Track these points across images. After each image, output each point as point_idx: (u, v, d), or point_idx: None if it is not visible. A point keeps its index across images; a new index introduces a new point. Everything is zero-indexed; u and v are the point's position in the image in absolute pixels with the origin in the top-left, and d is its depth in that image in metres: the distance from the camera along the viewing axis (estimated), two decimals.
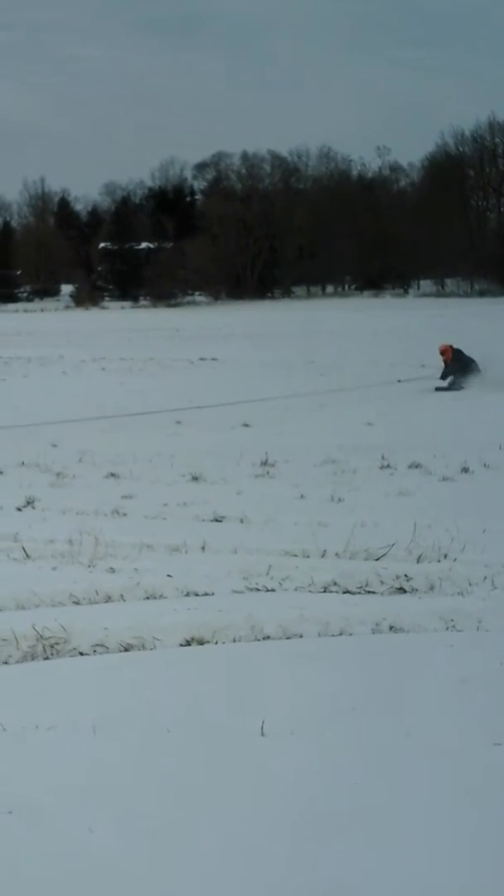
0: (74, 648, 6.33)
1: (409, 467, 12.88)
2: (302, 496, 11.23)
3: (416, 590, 7.55)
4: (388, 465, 13.03)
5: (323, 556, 8.46)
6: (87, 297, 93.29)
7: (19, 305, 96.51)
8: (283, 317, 63.03)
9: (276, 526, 9.69)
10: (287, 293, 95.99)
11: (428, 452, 13.73)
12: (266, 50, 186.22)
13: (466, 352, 23.07)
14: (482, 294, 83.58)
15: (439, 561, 8.25)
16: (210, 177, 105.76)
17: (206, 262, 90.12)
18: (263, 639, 6.51)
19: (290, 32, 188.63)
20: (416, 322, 47.26)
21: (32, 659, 6.23)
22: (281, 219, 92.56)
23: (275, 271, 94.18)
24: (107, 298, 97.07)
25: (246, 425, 17.31)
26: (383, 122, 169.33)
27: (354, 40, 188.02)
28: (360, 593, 7.51)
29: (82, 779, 4.52)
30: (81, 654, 6.28)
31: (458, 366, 22.69)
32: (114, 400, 21.42)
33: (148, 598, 7.39)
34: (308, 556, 8.44)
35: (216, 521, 10.00)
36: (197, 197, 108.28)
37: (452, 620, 6.77)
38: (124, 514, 10.35)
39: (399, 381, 23.81)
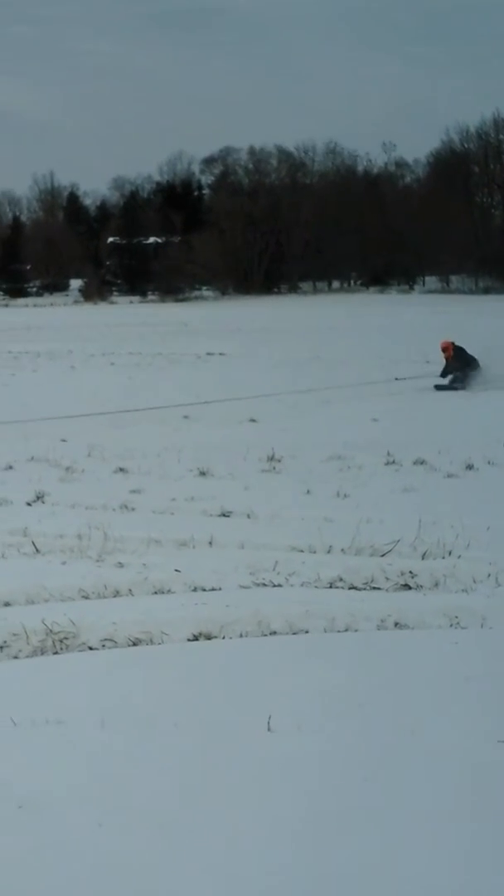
0: (83, 643, 6.37)
1: (415, 464, 12.89)
2: (308, 492, 11.25)
3: (421, 586, 7.58)
4: (394, 462, 13.04)
5: (329, 551, 8.50)
6: (96, 291, 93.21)
7: (29, 300, 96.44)
8: (290, 312, 62.94)
9: (282, 521, 9.73)
10: (293, 288, 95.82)
11: (433, 449, 13.74)
12: (273, 45, 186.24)
13: (469, 350, 22.70)
14: (487, 291, 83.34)
15: (444, 558, 8.27)
16: (217, 171, 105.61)
17: (213, 256, 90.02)
18: (270, 634, 6.54)
19: (297, 27, 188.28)
20: (421, 318, 47.20)
21: (42, 653, 6.28)
22: (287, 214, 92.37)
23: (281, 266, 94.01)
24: (115, 293, 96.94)
25: (253, 420, 17.33)
26: (389, 118, 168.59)
27: (361, 35, 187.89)
28: (365, 589, 7.54)
29: (91, 773, 4.56)
30: (90, 648, 6.33)
31: (459, 364, 22.32)
32: (122, 395, 21.45)
33: (156, 592, 7.44)
34: (314, 552, 8.48)
35: (223, 516, 10.03)
36: (204, 191, 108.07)
37: (457, 617, 6.79)
38: (133, 509, 10.39)
39: (396, 378, 23.53)
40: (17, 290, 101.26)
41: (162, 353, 33.37)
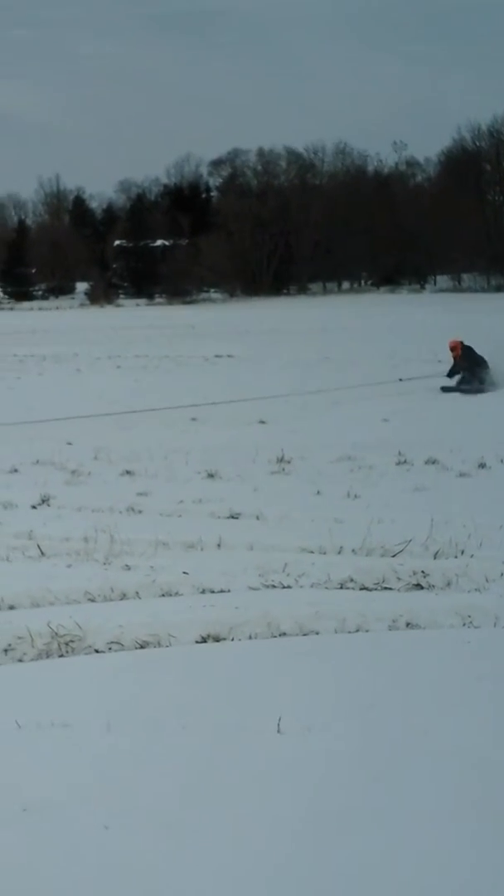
0: (90, 646, 6.32)
1: (426, 463, 12.85)
2: (318, 493, 11.21)
3: (433, 586, 7.51)
4: (405, 461, 13.00)
5: (339, 552, 8.44)
6: (102, 294, 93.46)
7: (34, 303, 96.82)
8: (299, 313, 63.06)
9: (292, 522, 9.67)
10: (303, 290, 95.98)
11: (444, 448, 13.69)
12: (282, 46, 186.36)
13: (479, 349, 22.29)
14: (499, 289, 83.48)
15: (456, 557, 8.21)
16: (225, 173, 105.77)
17: (221, 258, 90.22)
18: (280, 636, 6.49)
19: (304, 28, 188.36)
20: (432, 318, 47.18)
21: (47, 656, 6.23)
22: (297, 215, 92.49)
23: (290, 268, 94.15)
24: (122, 296, 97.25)
25: (262, 422, 17.31)
26: (400, 118, 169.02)
27: (371, 35, 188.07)
28: (376, 590, 7.48)
29: (97, 776, 4.51)
30: (97, 651, 6.28)
31: (467, 363, 21.91)
32: (129, 397, 21.46)
33: (163, 595, 7.38)
34: (324, 553, 8.42)
35: (232, 517, 9.98)
36: (212, 194, 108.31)
37: (469, 617, 6.73)
38: (140, 512, 10.35)
39: (401, 379, 23.15)
40: (22, 294, 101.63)
41: (169, 356, 33.40)
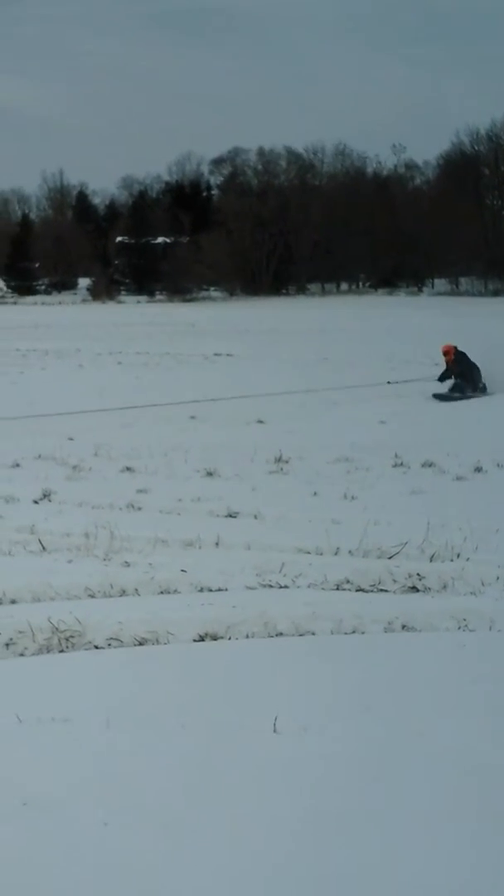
0: (89, 642, 6.36)
1: (423, 466, 12.86)
2: (315, 493, 11.23)
3: (429, 589, 7.54)
4: (402, 464, 13.02)
5: (336, 553, 8.47)
6: (104, 290, 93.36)
7: (37, 298, 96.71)
8: (298, 313, 62.99)
9: (289, 523, 9.70)
10: (302, 290, 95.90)
11: (441, 451, 13.71)
12: (284, 45, 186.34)
13: (472, 356, 21.91)
14: (496, 293, 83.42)
15: (452, 560, 8.24)
16: (226, 172, 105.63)
17: (221, 257, 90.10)
18: (276, 635, 6.52)
19: (304, 28, 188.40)
20: (430, 321, 47.14)
21: (48, 651, 6.27)
22: (296, 215, 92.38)
23: (289, 268, 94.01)
24: (123, 292, 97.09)
25: (260, 421, 17.32)
26: (399, 120, 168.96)
27: (371, 37, 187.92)
28: (372, 591, 7.51)
29: (96, 772, 4.54)
30: (96, 647, 6.32)
31: (459, 369, 21.56)
32: (130, 394, 21.46)
33: (162, 592, 7.42)
34: (321, 554, 8.45)
35: (230, 516, 10.01)
36: (213, 192, 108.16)
37: (465, 620, 6.77)
38: (139, 509, 10.38)
39: (388, 382, 23.02)
40: (25, 288, 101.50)
41: (169, 353, 33.40)
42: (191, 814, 4.19)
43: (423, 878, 3.74)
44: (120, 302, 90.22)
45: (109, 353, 33.63)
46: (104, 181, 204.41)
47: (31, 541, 8.81)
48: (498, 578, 7.71)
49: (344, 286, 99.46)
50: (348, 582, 7.66)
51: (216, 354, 32.80)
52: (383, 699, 5.39)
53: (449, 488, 11.62)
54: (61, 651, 6.27)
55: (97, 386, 23.48)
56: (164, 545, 8.70)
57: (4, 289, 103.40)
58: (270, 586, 7.58)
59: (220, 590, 7.46)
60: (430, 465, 12.90)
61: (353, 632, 6.61)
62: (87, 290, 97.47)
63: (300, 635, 6.54)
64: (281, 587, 7.57)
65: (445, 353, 22.16)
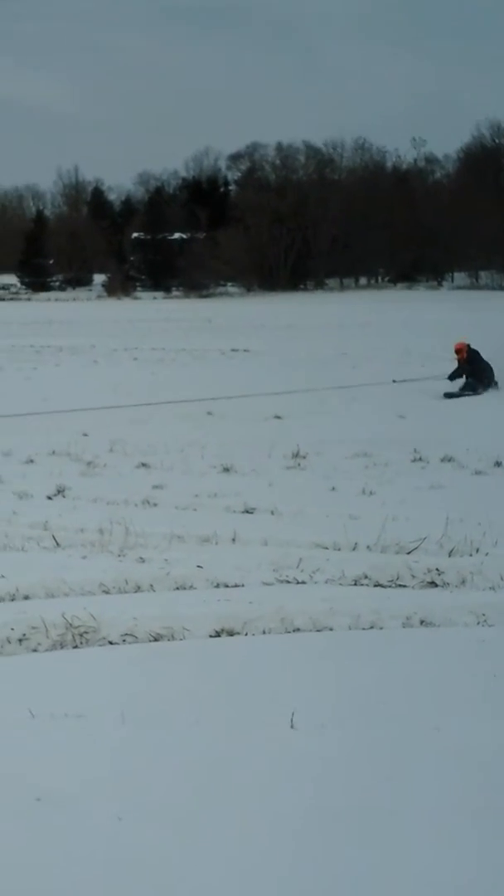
0: (104, 637, 6.33)
1: (442, 461, 12.82)
2: (333, 488, 11.20)
3: (448, 584, 7.50)
4: (420, 459, 12.98)
5: (354, 549, 8.43)
6: (120, 286, 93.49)
7: (52, 294, 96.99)
8: (316, 309, 62.98)
9: (307, 518, 9.66)
10: (320, 285, 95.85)
11: (461, 446, 13.65)
12: (302, 40, 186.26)
13: (491, 351, 21.50)
14: None
15: (471, 555, 8.19)
16: (244, 167, 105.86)
17: (238, 252, 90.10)
18: (293, 631, 6.49)
19: (325, 22, 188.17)
20: (449, 315, 47.04)
21: (62, 647, 6.25)
22: (315, 210, 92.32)
23: (308, 263, 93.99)
24: (139, 288, 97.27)
25: (277, 417, 17.28)
26: (419, 114, 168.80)
27: (390, 30, 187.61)
28: (391, 587, 7.47)
29: (110, 767, 4.53)
30: (111, 643, 6.29)
31: (471, 368, 21.01)
32: (145, 390, 21.45)
33: (177, 588, 7.39)
34: (339, 549, 8.41)
35: (247, 512, 9.97)
36: (231, 188, 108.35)
37: (484, 615, 6.72)
38: (155, 505, 10.35)
39: (394, 381, 22.40)
40: (40, 285, 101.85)
41: (186, 349, 33.40)
42: (205, 810, 4.16)
43: (438, 876, 3.70)
44: (136, 298, 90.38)
45: (125, 349, 33.65)
46: (120, 177, 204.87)
47: (44, 537, 8.79)
48: None
49: (363, 281, 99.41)
50: (366, 577, 7.62)
51: (233, 350, 32.79)
52: (401, 695, 5.36)
53: (468, 483, 11.57)
54: (75, 647, 6.25)
55: (112, 382, 23.48)
56: (180, 541, 8.67)
57: (19, 285, 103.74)
58: (287, 582, 7.54)
59: (236, 585, 7.42)
60: (450, 459, 12.85)
61: (371, 627, 6.58)
62: (103, 286, 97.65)
63: (317, 631, 6.51)
64: (298, 583, 7.53)
65: (458, 351, 21.63)
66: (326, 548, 8.44)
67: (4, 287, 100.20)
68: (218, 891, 3.65)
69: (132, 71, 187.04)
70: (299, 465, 12.79)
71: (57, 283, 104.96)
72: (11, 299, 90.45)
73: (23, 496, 10.65)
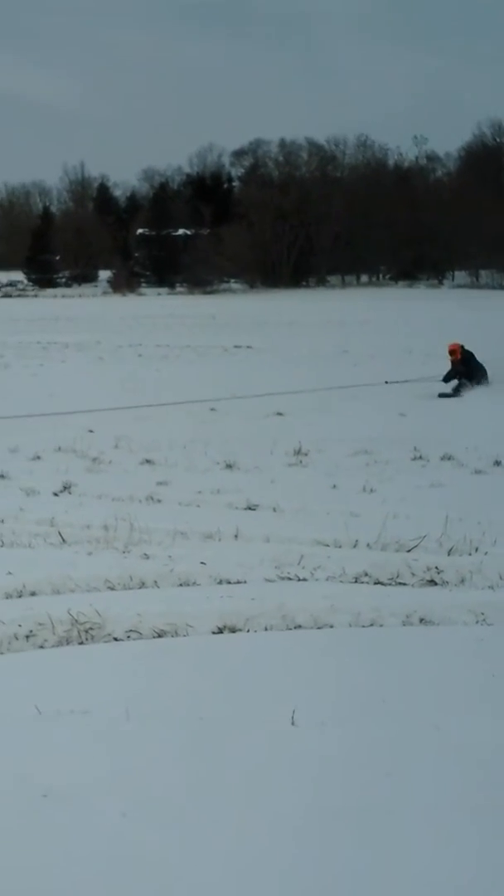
0: (109, 634, 6.38)
1: (442, 459, 12.84)
2: (335, 486, 11.23)
3: (447, 582, 7.54)
4: (421, 457, 13.00)
5: (355, 546, 8.47)
6: (125, 283, 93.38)
7: (58, 290, 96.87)
8: (318, 306, 62.83)
9: (308, 515, 9.71)
10: (322, 282, 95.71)
11: (461, 445, 13.66)
12: (305, 38, 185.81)
13: (490, 351, 21.38)
14: None
15: (470, 554, 8.23)
16: (247, 164, 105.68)
17: (242, 249, 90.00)
18: (295, 628, 6.54)
19: (329, 20, 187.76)
20: (450, 314, 46.96)
21: (67, 643, 6.30)
22: (317, 207, 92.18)
23: (310, 259, 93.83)
24: (143, 285, 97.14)
25: (280, 414, 17.30)
26: (421, 112, 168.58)
27: (393, 28, 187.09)
28: (391, 585, 7.51)
29: (115, 764, 4.57)
30: (115, 639, 6.34)
31: (464, 369, 20.79)
32: (150, 386, 21.48)
33: (181, 584, 7.44)
34: (340, 547, 8.46)
35: (249, 509, 10.02)
36: (234, 184, 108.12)
37: (483, 614, 6.76)
38: (159, 501, 10.41)
39: (387, 382, 21.92)
40: (46, 281, 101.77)
41: (190, 346, 33.39)
42: (208, 807, 4.21)
43: (439, 874, 3.76)
44: (140, 294, 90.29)
45: (129, 346, 33.66)
46: (125, 173, 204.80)
47: (51, 533, 8.85)
48: None
49: (364, 278, 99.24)
50: (367, 575, 7.66)
51: (236, 347, 32.79)
52: (401, 692, 5.40)
53: (468, 482, 11.60)
54: (81, 643, 6.30)
55: (117, 378, 23.50)
56: (184, 537, 8.72)
57: (25, 281, 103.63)
58: (289, 579, 7.59)
59: (238, 582, 7.47)
60: (449, 458, 12.87)
61: (372, 625, 6.62)
62: (108, 282, 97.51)
63: (318, 628, 6.55)
64: (299, 580, 7.58)
65: (452, 353, 21.30)
66: (327, 545, 8.48)
67: (12, 284, 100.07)
68: (218, 887, 3.70)
69: (136, 67, 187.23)
70: (301, 462, 12.83)
71: (63, 280, 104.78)
72: (19, 296, 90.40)
73: (30, 493, 10.72)
